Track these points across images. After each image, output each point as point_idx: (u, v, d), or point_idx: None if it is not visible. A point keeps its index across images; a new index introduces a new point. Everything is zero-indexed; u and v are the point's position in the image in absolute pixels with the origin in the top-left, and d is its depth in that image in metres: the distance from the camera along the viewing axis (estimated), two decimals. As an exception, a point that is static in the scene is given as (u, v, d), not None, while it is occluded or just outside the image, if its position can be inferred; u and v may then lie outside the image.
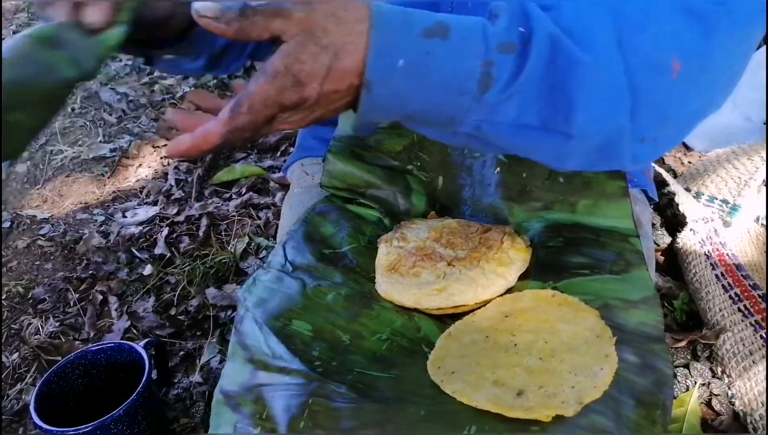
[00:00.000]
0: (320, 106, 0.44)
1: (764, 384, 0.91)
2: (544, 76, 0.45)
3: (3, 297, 1.31)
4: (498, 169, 0.72)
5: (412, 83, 0.43)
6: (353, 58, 0.42)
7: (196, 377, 1.11)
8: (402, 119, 0.47)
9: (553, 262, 0.64)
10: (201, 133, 0.43)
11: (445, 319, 0.62)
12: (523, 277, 0.64)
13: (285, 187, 1.54)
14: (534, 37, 0.44)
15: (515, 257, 0.64)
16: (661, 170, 1.20)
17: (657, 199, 0.84)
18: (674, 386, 1.00)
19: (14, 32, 2.34)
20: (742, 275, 1.01)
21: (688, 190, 1.21)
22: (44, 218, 1.53)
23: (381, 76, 0.42)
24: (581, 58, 0.45)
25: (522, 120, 0.46)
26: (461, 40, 0.43)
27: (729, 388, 0.97)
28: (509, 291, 0.62)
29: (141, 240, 1.44)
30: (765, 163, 1.14)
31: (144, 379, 0.89)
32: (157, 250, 1.39)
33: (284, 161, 1.63)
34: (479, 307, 0.61)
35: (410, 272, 0.63)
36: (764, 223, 1.12)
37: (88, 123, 1.88)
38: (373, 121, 0.46)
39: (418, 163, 0.75)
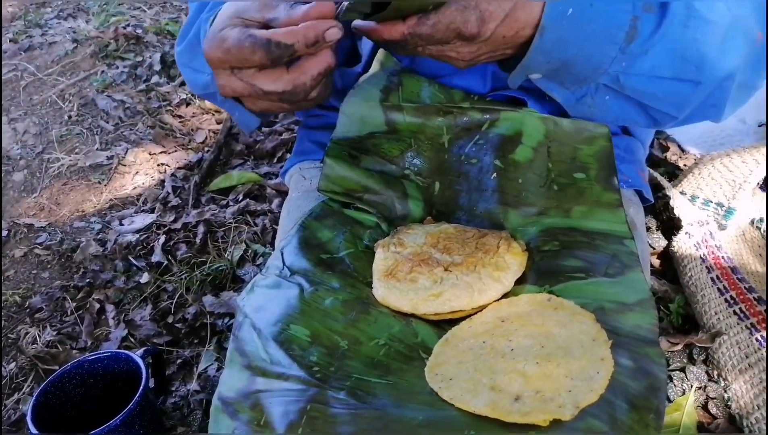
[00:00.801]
0: (488, 45, 0.54)
1: (760, 387, 0.91)
2: (679, 33, 0.55)
3: (0, 306, 1.31)
4: (494, 174, 0.73)
5: (575, 30, 0.53)
6: (529, 10, 0.52)
7: (194, 385, 1.11)
8: (557, 67, 0.57)
9: (549, 266, 0.64)
10: (388, 25, 0.53)
11: (443, 324, 0.62)
12: (519, 281, 0.64)
13: (282, 193, 1.54)
14: (669, 2, 0.55)
15: (511, 262, 0.64)
16: (656, 174, 1.21)
17: (652, 200, 0.85)
18: (671, 389, 1.00)
19: (11, 40, 2.35)
20: (737, 278, 1.02)
21: (683, 193, 1.21)
22: (41, 227, 1.53)
23: (553, 21, 0.53)
24: (710, 18, 0.56)
25: (656, 72, 0.57)
26: None
27: (725, 392, 0.97)
28: (506, 295, 0.62)
29: (138, 248, 1.44)
30: (763, 164, 1.14)
31: (141, 388, 0.88)
32: (154, 258, 1.39)
33: (281, 168, 1.64)
34: (476, 312, 0.61)
35: (407, 277, 0.64)
36: (759, 225, 1.12)
37: (84, 130, 1.88)
38: (531, 68, 0.57)
39: (415, 168, 0.75)
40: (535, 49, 0.54)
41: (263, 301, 0.63)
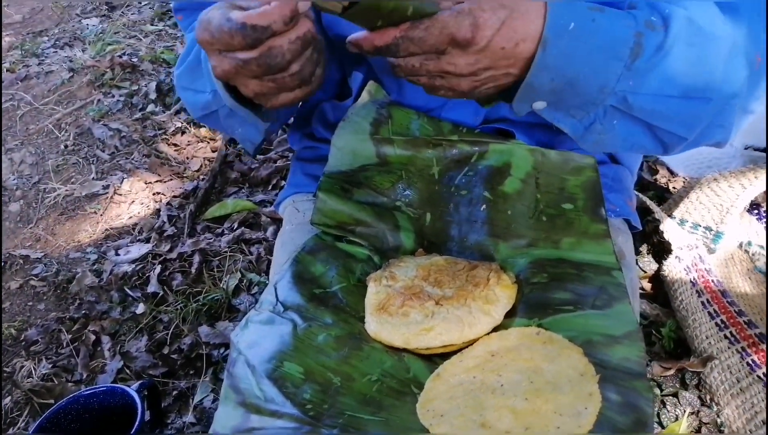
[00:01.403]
0: (487, 57, 0.53)
1: (752, 411, 0.92)
2: (685, 49, 0.55)
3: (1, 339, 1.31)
4: (484, 206, 0.74)
5: (578, 44, 0.53)
6: (528, 22, 0.52)
7: (190, 417, 1.11)
8: (561, 88, 0.55)
9: (538, 298, 0.65)
10: (380, 31, 0.52)
11: (434, 358, 0.63)
12: (509, 314, 0.65)
13: (277, 221, 1.55)
14: (672, 20, 0.55)
15: (501, 295, 0.65)
16: (645, 198, 1.23)
17: (640, 228, 0.86)
18: (664, 415, 1.00)
19: (7, 69, 2.37)
20: (727, 302, 1.03)
21: (672, 217, 1.23)
22: (37, 258, 1.54)
23: (556, 35, 0.52)
24: (716, 34, 0.56)
25: (664, 90, 0.56)
26: (615, 15, 0.54)
27: (718, 416, 0.98)
28: (496, 329, 0.63)
29: (134, 278, 1.44)
30: (749, 189, 1.16)
31: (137, 423, 0.89)
32: (150, 289, 1.40)
33: (276, 195, 1.65)
34: (467, 346, 0.62)
35: (399, 312, 0.65)
36: (747, 248, 1.14)
37: (80, 160, 1.89)
38: (536, 88, 0.55)
39: (406, 200, 0.76)
40: (538, 64, 0.53)
41: (257, 337, 0.64)
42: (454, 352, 0.62)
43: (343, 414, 0.55)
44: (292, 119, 0.94)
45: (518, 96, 0.57)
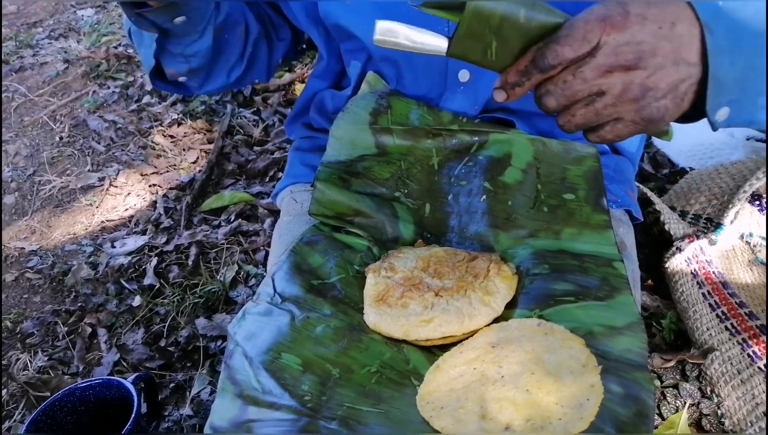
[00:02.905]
0: (646, 40, 0.45)
1: (753, 403, 0.91)
2: None
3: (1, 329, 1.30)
4: (484, 196, 0.73)
5: (736, 22, 0.47)
6: (671, 7, 0.46)
7: (187, 410, 1.10)
8: (744, 74, 0.48)
9: (539, 290, 0.65)
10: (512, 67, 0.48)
11: (434, 349, 0.62)
12: (510, 305, 0.64)
13: (274, 213, 1.54)
14: None
15: (501, 286, 0.65)
16: (646, 189, 1.22)
17: (642, 219, 0.85)
18: (664, 407, 1.00)
19: (2, 60, 2.35)
20: (728, 293, 1.02)
21: (673, 208, 1.22)
22: (32, 250, 1.53)
23: (711, 17, 0.46)
24: None
25: None
26: None
27: (718, 408, 0.97)
28: (496, 320, 0.62)
29: (130, 270, 1.43)
30: (750, 179, 1.15)
31: (133, 415, 0.88)
32: (146, 281, 1.39)
33: (273, 187, 1.64)
34: (467, 337, 0.61)
35: (398, 303, 0.64)
36: (748, 240, 1.13)
37: (76, 152, 1.87)
38: (721, 80, 0.47)
39: (405, 190, 0.75)
40: (713, 49, 0.46)
41: (254, 329, 0.63)
42: (454, 344, 0.61)
43: (341, 406, 0.55)
44: (292, 109, 0.94)
45: (709, 96, 0.48)
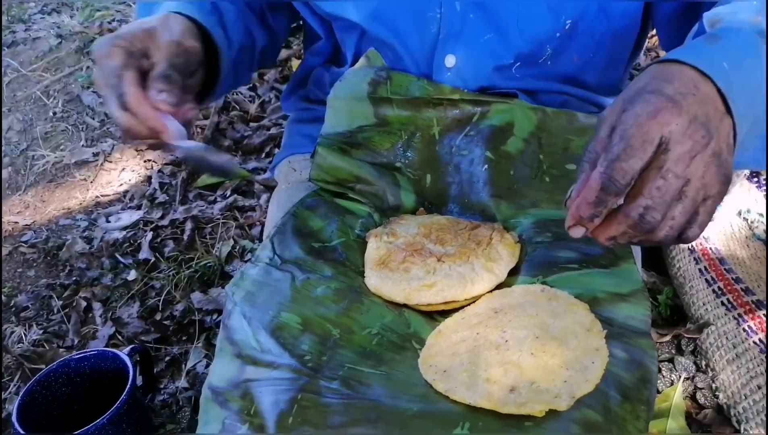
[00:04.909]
0: (686, 103, 0.43)
1: (747, 376, 0.92)
2: None
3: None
4: (486, 166, 0.72)
5: (740, 74, 0.47)
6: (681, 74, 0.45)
7: (182, 382, 1.10)
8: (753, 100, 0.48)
9: (542, 257, 0.64)
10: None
11: (435, 315, 0.62)
12: (512, 272, 0.64)
13: (270, 189, 1.53)
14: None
15: (504, 253, 0.64)
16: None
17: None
18: (659, 380, 1.00)
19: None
20: (725, 269, 1.03)
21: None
22: (26, 225, 1.51)
23: (725, 82, 0.45)
24: None
25: None
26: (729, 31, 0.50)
27: (713, 382, 0.98)
28: (499, 287, 0.62)
29: (125, 245, 1.42)
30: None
31: (128, 386, 0.87)
32: (142, 255, 1.38)
33: (269, 163, 1.62)
34: (469, 304, 0.61)
35: (400, 267, 0.63)
36: (746, 216, 1.13)
37: (70, 127, 1.85)
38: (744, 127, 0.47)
39: (406, 161, 0.75)
40: (737, 113, 0.46)
41: (253, 289, 0.62)
42: (455, 310, 0.61)
43: (342, 366, 0.54)
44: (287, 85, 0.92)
45: (738, 152, 0.47)
